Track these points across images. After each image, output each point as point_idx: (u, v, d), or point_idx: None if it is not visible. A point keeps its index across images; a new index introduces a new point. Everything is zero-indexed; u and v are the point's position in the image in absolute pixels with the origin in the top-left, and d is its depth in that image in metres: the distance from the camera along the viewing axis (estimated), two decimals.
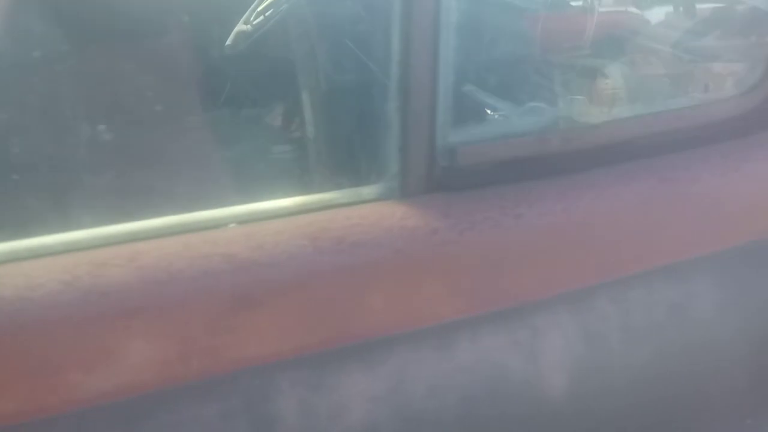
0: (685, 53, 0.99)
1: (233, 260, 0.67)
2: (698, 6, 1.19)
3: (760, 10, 0.99)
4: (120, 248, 0.66)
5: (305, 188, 0.76)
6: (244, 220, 0.71)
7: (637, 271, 0.88)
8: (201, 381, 0.69)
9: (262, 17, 1.34)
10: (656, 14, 1.15)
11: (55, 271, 0.64)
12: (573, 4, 1.17)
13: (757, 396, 0.99)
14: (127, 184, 0.71)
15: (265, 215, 0.72)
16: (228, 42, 1.37)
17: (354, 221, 0.72)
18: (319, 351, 0.72)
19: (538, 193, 0.80)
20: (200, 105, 0.77)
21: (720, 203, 0.91)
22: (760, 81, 0.96)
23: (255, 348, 0.70)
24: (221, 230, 0.68)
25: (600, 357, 0.85)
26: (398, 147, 0.77)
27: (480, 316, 0.80)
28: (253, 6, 1.33)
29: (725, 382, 0.94)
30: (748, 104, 0.96)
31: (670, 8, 1.19)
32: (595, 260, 0.85)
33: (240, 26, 1.43)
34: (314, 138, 0.78)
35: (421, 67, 0.74)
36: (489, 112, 0.88)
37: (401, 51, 0.73)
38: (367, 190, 0.79)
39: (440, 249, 0.75)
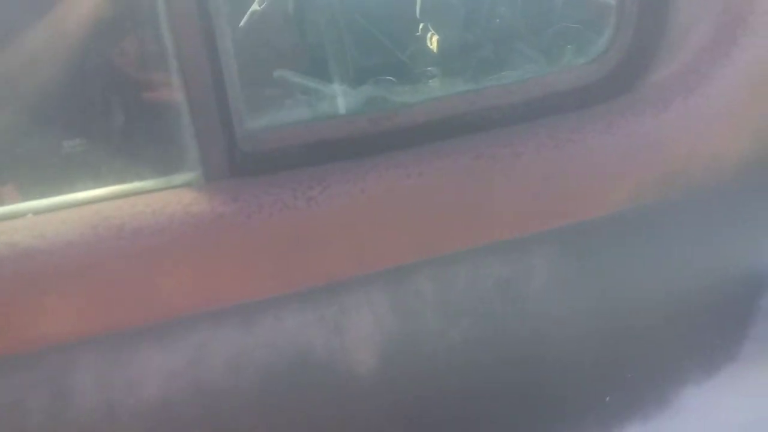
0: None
1: (15, 248, 0.73)
2: None
3: None
4: None
5: (118, 178, 0.82)
6: (41, 212, 0.77)
7: (460, 248, 0.88)
8: (8, 355, 0.77)
9: None
10: None
11: None
12: None
13: (610, 374, 0.97)
14: None
15: (62, 206, 0.78)
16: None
17: (138, 209, 0.77)
18: (117, 330, 0.78)
19: (336, 174, 0.82)
20: None
21: (550, 179, 0.89)
22: (606, 51, 0.93)
23: (53, 327, 0.77)
24: (11, 221, 0.75)
25: (414, 334, 0.86)
26: (193, 134, 0.81)
27: (284, 296, 0.83)
28: None
29: (566, 359, 0.93)
30: (591, 75, 0.92)
31: None
32: (410, 239, 0.86)
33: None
34: (124, 125, 0.83)
35: (197, 59, 0.77)
36: (299, 95, 0.89)
37: (174, 44, 0.76)
38: (175, 179, 0.84)
39: (227, 233, 0.79)
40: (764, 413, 1.05)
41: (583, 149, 0.90)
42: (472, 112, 0.89)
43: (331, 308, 0.84)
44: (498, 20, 1.18)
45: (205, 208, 0.78)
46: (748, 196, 1.00)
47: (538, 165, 0.88)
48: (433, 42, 1.28)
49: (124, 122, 0.81)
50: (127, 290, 0.77)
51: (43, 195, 0.79)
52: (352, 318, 0.85)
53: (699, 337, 1.02)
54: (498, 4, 1.21)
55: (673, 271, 0.99)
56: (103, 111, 0.80)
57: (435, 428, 0.89)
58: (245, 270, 0.80)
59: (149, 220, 0.76)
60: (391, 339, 0.85)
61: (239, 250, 0.80)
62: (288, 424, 0.83)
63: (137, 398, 0.78)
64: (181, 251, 0.78)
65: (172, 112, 0.81)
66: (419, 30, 1.29)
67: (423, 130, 0.87)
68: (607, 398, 0.96)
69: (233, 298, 0.81)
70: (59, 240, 0.74)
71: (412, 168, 0.84)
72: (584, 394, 0.96)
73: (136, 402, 0.78)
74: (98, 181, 0.82)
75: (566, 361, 0.94)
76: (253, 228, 0.79)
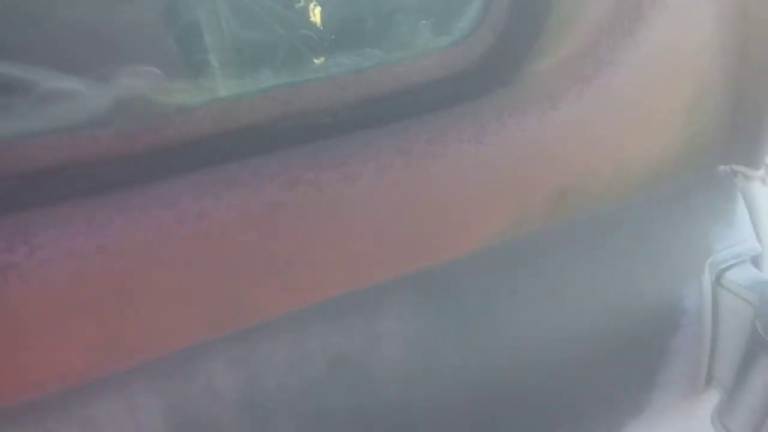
0: None
1: None
2: None
3: None
4: None
5: None
6: None
7: (273, 315, 0.62)
8: None
9: None
10: None
11: None
12: None
13: None
14: None
15: None
16: None
17: None
18: None
19: (57, 225, 0.52)
20: None
21: (402, 210, 0.64)
22: (474, 30, 0.68)
23: None
24: None
25: None
26: None
27: None
28: None
29: None
30: (455, 63, 0.67)
31: None
32: (193, 311, 0.59)
33: None
34: None
35: None
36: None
37: None
38: None
39: None
40: None
41: (447, 166, 0.65)
42: (286, 118, 0.61)
43: (76, 419, 0.55)
44: None
45: None
46: (654, 214, 0.80)
47: (383, 192, 0.62)
48: (315, 13, 0.97)
49: None
50: None
51: None
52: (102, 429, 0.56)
53: (601, 390, 0.82)
54: None
55: (568, 311, 0.77)
56: None
57: None
58: None
59: None
60: None
61: None
62: None
63: None
64: None
65: None
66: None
67: (208, 148, 0.58)
68: None
69: None
70: None
71: (188, 207, 0.56)
72: None
73: None
74: None
75: None
76: None
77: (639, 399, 0.84)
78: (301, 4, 0.81)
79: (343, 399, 0.63)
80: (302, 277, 0.61)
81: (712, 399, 0.87)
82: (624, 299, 0.80)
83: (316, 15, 0.84)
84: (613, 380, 0.82)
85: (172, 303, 0.57)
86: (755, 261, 0.85)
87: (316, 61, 0.62)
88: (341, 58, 0.61)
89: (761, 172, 0.87)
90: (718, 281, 0.82)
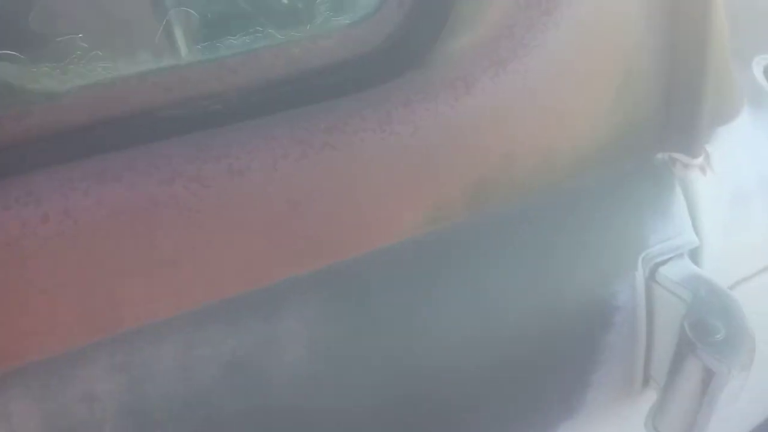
0: None
1: None
2: None
3: None
4: None
5: None
6: None
7: (158, 318, 0.58)
8: None
9: None
10: None
11: None
12: None
13: None
14: None
15: None
16: None
17: None
18: None
19: None
20: None
21: (300, 206, 0.59)
22: (379, 7, 0.63)
23: None
24: None
25: None
26: None
27: None
28: None
29: None
30: (358, 45, 0.63)
31: None
32: (64, 315, 0.54)
33: None
34: None
35: None
36: None
37: None
38: None
39: None
40: None
41: (349, 157, 0.61)
42: (168, 106, 0.57)
43: None
44: None
45: None
46: (584, 205, 0.76)
47: (277, 185, 0.58)
48: None
49: None
50: None
51: None
52: None
53: (530, 392, 0.78)
54: None
55: (492, 310, 0.73)
56: None
57: None
58: None
59: None
60: None
61: None
62: None
63: None
64: None
65: None
66: None
67: (77, 139, 0.54)
68: None
69: None
70: None
71: (54, 203, 0.51)
72: None
73: None
74: None
75: None
76: None
77: (572, 400, 0.80)
78: None
79: (238, 406, 0.59)
80: (189, 277, 0.57)
81: (649, 399, 0.84)
82: (553, 296, 0.76)
83: None
84: (543, 381, 0.78)
85: (40, 307, 0.53)
86: (693, 255, 0.82)
87: (201, 41, 0.57)
88: (231, 39, 0.57)
89: (700, 160, 0.84)
90: (652, 276, 0.79)
